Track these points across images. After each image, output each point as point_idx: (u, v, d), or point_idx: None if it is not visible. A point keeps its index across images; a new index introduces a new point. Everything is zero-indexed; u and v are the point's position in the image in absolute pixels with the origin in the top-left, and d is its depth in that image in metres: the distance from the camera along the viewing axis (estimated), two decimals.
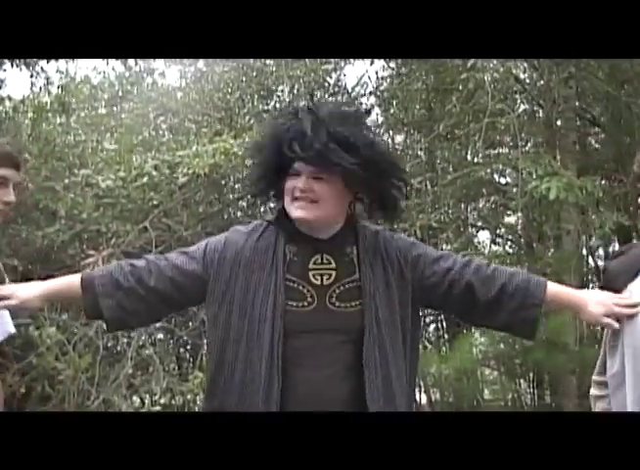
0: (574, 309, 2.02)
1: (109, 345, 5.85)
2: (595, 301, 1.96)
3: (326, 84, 7.96)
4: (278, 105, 7.45)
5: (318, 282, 1.92)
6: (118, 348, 5.90)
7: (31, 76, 6.91)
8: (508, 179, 7.60)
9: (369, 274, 1.93)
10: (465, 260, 2.01)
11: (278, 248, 1.94)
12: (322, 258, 1.94)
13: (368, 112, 2.04)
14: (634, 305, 1.92)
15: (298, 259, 1.94)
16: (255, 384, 1.87)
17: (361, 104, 7.86)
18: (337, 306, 1.90)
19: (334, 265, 1.93)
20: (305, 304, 1.90)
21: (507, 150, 7.30)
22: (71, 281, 2.05)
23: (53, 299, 2.14)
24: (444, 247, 6.52)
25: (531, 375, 7.71)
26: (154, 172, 5.55)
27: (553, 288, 2.00)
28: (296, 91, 7.67)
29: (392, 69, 7.65)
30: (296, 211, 1.91)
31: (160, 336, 6.47)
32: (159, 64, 8.06)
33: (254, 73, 7.55)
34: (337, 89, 7.98)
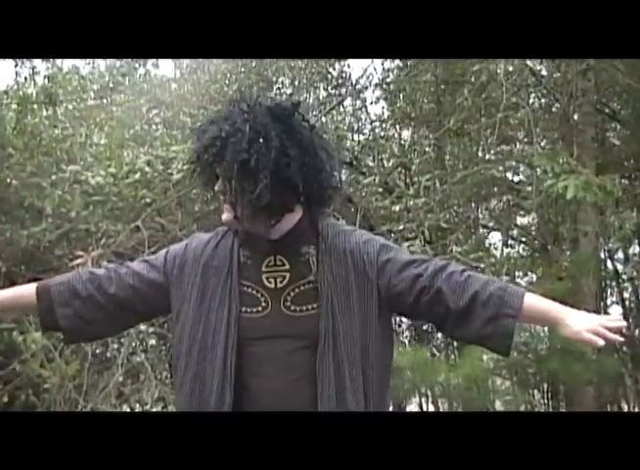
0: (553, 323, 1.94)
1: (97, 351, 5.84)
2: (577, 316, 1.91)
3: (329, 76, 7.96)
4: (279, 97, 7.45)
5: (272, 285, 1.92)
6: (108, 354, 5.90)
7: (16, 66, 6.91)
8: (522, 177, 7.60)
9: (327, 276, 1.91)
10: (438, 266, 1.96)
11: (234, 253, 1.96)
12: (275, 260, 1.94)
13: (297, 106, 1.98)
14: (621, 331, 1.87)
15: (252, 263, 1.94)
16: (205, 395, 1.88)
17: (365, 99, 7.88)
18: (292, 310, 1.90)
19: (287, 267, 1.93)
20: (260, 309, 1.91)
21: (521, 146, 7.29)
22: (26, 289, 2.06)
23: (7, 308, 2.14)
24: (454, 248, 6.52)
25: (546, 385, 7.71)
26: (146, 168, 5.54)
27: (531, 299, 1.94)
28: (297, 83, 7.67)
29: (400, 60, 7.65)
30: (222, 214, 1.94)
31: (152, 342, 6.47)
32: None
33: (253, 64, 7.56)
34: (340, 81, 7.98)
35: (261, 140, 1.81)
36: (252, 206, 1.83)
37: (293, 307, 1.92)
